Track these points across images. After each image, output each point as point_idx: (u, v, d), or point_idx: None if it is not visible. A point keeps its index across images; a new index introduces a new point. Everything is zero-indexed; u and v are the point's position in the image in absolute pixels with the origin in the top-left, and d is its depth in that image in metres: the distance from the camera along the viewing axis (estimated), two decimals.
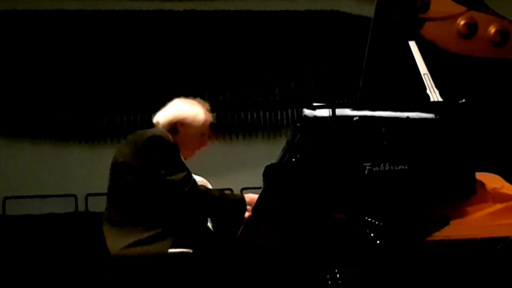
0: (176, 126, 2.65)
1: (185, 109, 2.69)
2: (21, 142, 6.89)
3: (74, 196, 6.72)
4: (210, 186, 2.83)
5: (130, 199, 2.49)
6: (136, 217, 2.47)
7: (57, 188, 6.65)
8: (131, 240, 2.43)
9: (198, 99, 2.78)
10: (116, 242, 2.47)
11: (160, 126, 2.67)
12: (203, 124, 2.70)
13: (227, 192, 2.61)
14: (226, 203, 2.55)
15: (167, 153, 2.52)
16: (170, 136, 2.59)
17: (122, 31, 7.14)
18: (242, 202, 2.57)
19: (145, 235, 2.44)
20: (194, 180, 2.55)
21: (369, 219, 2.51)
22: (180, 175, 2.48)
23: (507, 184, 2.67)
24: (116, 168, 2.54)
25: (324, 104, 2.55)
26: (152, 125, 2.74)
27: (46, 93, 6.89)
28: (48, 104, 6.88)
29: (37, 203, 6.48)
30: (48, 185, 6.64)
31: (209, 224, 2.73)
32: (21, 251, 5.99)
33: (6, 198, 6.53)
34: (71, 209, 6.64)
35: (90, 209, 6.60)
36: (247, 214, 2.73)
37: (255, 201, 2.56)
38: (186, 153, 2.65)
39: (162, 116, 2.69)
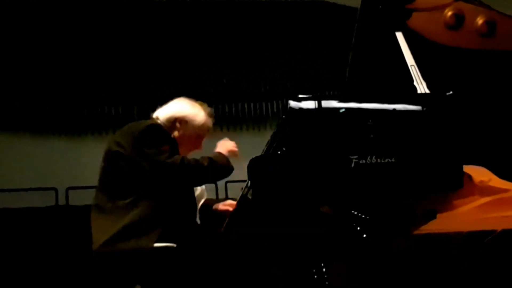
0: (175, 123, 2.63)
1: (186, 108, 2.68)
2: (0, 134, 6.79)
3: (55, 189, 6.64)
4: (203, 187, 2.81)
5: (122, 186, 2.46)
6: (127, 203, 2.44)
7: (36, 182, 6.55)
8: (118, 227, 2.39)
9: (200, 102, 2.75)
10: (103, 231, 2.43)
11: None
12: (202, 126, 2.68)
13: (213, 157, 2.57)
14: (215, 165, 2.52)
15: (164, 142, 2.50)
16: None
17: (104, 20, 7.04)
18: (224, 158, 2.56)
19: (133, 221, 2.40)
20: (183, 157, 2.50)
21: (356, 213, 2.49)
22: (178, 158, 2.46)
23: (494, 177, 2.67)
24: (111, 156, 2.51)
25: (310, 95, 2.52)
26: (134, 118, 2.71)
27: (24, 84, 6.77)
28: (26, 95, 6.77)
29: (16, 196, 6.39)
30: (27, 179, 6.55)
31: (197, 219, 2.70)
32: None
33: None
34: (51, 202, 6.56)
35: (71, 202, 6.52)
36: (231, 208, 2.71)
37: (232, 151, 2.58)
38: (180, 152, 2.61)
39: (162, 112, 2.67)
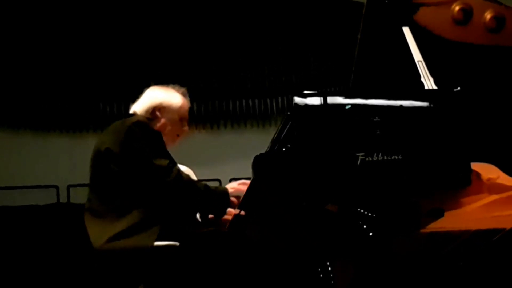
0: (154, 112, 2.63)
1: (160, 94, 2.69)
2: (0, 131, 6.77)
3: (56, 187, 6.62)
4: (194, 176, 2.80)
5: (114, 188, 2.45)
6: (120, 206, 2.43)
7: (37, 179, 6.55)
8: (115, 231, 2.39)
9: (173, 85, 2.75)
10: (100, 233, 2.42)
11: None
12: (181, 107, 2.68)
13: (211, 185, 2.57)
14: (210, 195, 2.52)
15: (150, 139, 2.49)
16: (150, 124, 2.57)
17: (102, 18, 7.01)
18: (225, 195, 2.53)
19: (129, 224, 2.39)
20: (179, 169, 2.51)
21: (362, 211, 2.46)
22: (165, 162, 2.45)
23: (502, 175, 2.65)
24: (99, 157, 2.50)
25: (315, 92, 2.50)
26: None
27: (25, 81, 6.75)
28: (28, 92, 6.75)
29: (17, 194, 6.39)
30: (28, 176, 6.55)
31: (197, 216, 2.68)
32: (0, 244, 5.89)
33: None
34: (53, 200, 6.55)
35: (72, 200, 6.52)
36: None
37: (241, 190, 2.52)
38: (168, 140, 2.62)
39: (139, 106, 2.68)
